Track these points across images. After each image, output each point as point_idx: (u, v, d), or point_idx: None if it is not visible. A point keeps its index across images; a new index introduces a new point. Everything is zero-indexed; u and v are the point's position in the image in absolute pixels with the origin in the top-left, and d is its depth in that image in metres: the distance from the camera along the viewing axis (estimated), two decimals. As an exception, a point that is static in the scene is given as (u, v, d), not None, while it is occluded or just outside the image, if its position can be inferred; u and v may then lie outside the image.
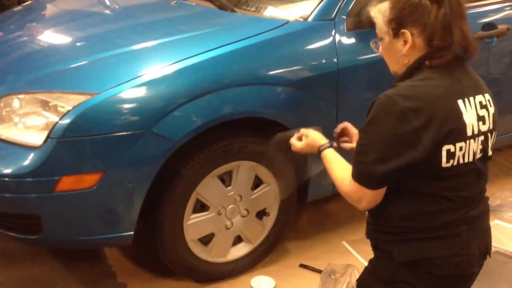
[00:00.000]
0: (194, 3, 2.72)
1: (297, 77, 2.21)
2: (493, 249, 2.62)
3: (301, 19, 2.33)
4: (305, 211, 2.94)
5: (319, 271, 2.48)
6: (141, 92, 1.98)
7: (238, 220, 2.37)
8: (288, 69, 2.21)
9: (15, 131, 2.02)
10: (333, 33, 2.28)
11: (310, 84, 2.24)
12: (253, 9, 2.51)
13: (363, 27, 2.32)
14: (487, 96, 1.53)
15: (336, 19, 2.29)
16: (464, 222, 1.48)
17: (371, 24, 2.36)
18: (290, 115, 2.21)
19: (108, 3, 3.04)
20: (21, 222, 2.08)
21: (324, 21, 2.30)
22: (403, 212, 1.48)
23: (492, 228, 2.82)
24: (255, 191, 2.36)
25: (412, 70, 1.46)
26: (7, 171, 1.94)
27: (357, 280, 1.70)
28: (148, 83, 2.00)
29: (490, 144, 1.52)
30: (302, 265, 2.55)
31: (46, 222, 2.02)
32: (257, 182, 2.38)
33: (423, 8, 1.42)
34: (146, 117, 1.97)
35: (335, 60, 2.25)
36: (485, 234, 1.59)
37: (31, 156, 1.93)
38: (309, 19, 2.31)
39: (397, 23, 1.46)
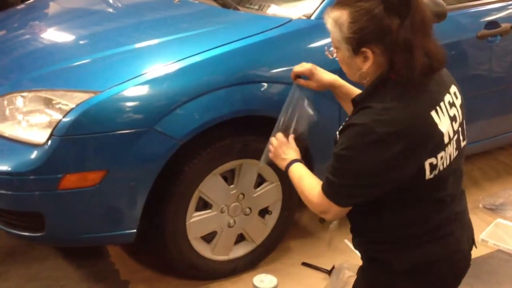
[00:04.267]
0: (197, 1, 2.72)
1: (300, 75, 2.21)
2: (495, 247, 2.65)
3: (304, 17, 2.33)
4: (308, 209, 2.93)
5: (321, 269, 2.48)
6: (144, 90, 1.98)
7: (241, 218, 2.37)
8: (291, 67, 2.20)
9: (19, 129, 2.02)
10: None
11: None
12: (256, 7, 2.51)
13: (366, 26, 2.32)
14: (453, 89, 1.48)
15: (339, 18, 2.29)
16: (454, 220, 1.48)
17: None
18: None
19: (111, 1, 3.04)
20: (24, 219, 2.08)
21: (327, 19, 2.30)
22: (393, 222, 1.46)
23: (495, 226, 2.85)
24: (258, 189, 2.36)
25: (378, 86, 1.39)
26: (11, 168, 1.95)
27: None
28: (151, 81, 2.00)
29: (462, 137, 1.50)
30: (304, 263, 2.55)
31: (49, 220, 2.02)
32: (260, 181, 2.38)
33: (387, 26, 1.32)
34: (149, 115, 1.97)
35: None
36: (469, 227, 1.59)
37: (35, 154, 1.93)
38: (312, 17, 2.31)
39: (357, 41, 1.36)
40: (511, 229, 2.81)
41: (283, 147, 1.74)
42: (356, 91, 1.78)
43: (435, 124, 1.37)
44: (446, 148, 1.40)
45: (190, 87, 2.04)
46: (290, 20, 2.30)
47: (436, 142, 1.37)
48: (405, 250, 1.47)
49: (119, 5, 2.98)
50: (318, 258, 2.55)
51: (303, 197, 1.58)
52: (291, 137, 1.80)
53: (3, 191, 2.00)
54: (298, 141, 1.87)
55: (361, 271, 1.61)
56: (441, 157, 1.39)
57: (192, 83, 2.04)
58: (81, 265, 2.50)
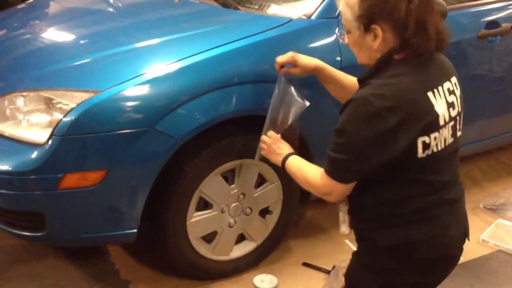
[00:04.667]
0: (197, 1, 2.72)
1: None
2: (496, 248, 2.65)
3: (305, 17, 2.33)
4: (308, 209, 2.94)
5: (322, 270, 2.48)
6: (144, 90, 1.98)
7: (241, 218, 2.37)
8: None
9: (19, 129, 2.02)
10: (336, 31, 2.27)
11: (313, 82, 2.23)
12: (256, 6, 2.51)
13: (367, 25, 2.32)
14: (454, 79, 1.55)
15: (339, 17, 2.28)
16: (441, 205, 1.52)
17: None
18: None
19: (111, 0, 3.04)
20: (25, 219, 2.08)
21: (327, 19, 2.30)
22: (382, 199, 1.51)
23: (496, 227, 2.85)
24: (258, 189, 2.36)
25: (381, 65, 1.47)
26: (11, 168, 1.94)
27: (344, 274, 1.73)
28: (151, 81, 2.00)
29: (459, 126, 1.55)
30: (305, 264, 2.55)
31: (49, 220, 2.02)
32: (260, 180, 2.37)
33: (394, 3, 1.41)
34: (149, 115, 1.97)
35: (338, 58, 2.24)
36: (463, 218, 1.62)
37: (35, 153, 1.93)
38: (313, 17, 2.31)
39: (368, 19, 1.46)
40: (511, 229, 2.81)
41: (278, 143, 1.84)
42: (339, 73, 1.91)
43: (431, 104, 1.44)
44: (441, 130, 1.46)
45: (190, 86, 2.03)
46: (291, 20, 2.30)
47: (430, 121, 1.43)
48: (389, 228, 1.52)
49: (120, 4, 2.98)
50: (319, 259, 2.55)
51: (306, 183, 1.64)
52: (276, 134, 1.89)
53: (3, 191, 2.00)
54: (290, 132, 1.90)
55: (354, 253, 1.66)
56: (435, 138, 1.44)
57: (193, 83, 2.04)
58: (82, 265, 2.50)
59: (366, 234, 1.59)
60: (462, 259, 1.65)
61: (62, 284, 2.38)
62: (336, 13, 2.28)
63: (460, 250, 1.60)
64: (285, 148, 1.81)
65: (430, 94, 1.44)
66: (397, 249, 1.51)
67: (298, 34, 2.26)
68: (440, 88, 1.47)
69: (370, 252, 1.58)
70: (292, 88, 1.98)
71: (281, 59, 1.95)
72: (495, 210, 2.98)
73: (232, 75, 2.10)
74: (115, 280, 2.43)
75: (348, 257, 2.46)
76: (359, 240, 1.64)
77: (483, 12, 2.76)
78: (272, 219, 2.46)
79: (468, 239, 1.64)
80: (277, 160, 1.80)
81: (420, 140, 1.42)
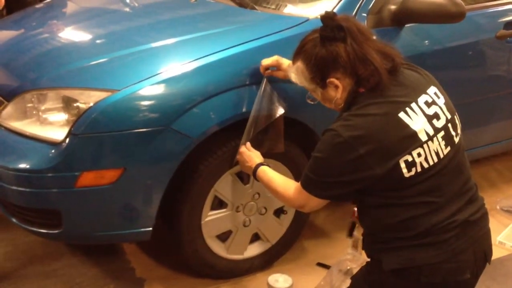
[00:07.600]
0: (213, 1, 2.72)
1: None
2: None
3: (321, 17, 2.32)
4: (322, 209, 2.93)
5: (336, 270, 2.48)
6: (160, 89, 1.99)
7: (256, 218, 2.37)
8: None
9: (37, 127, 2.04)
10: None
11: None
12: (273, 6, 2.51)
13: (384, 25, 2.31)
14: (432, 89, 1.55)
15: (356, 17, 2.28)
16: (452, 228, 1.48)
17: (393, 22, 2.36)
18: (308, 113, 2.20)
19: (128, 0, 3.06)
20: (42, 217, 2.10)
21: (344, 19, 2.29)
22: (384, 222, 1.51)
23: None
24: (273, 189, 2.36)
25: (350, 102, 1.53)
26: (29, 166, 1.96)
27: (351, 277, 1.75)
28: (168, 81, 2.01)
29: (455, 132, 1.54)
30: (319, 264, 2.55)
31: (66, 217, 2.04)
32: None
33: (333, 54, 1.49)
34: (165, 114, 1.97)
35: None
36: (482, 240, 1.57)
37: (52, 151, 1.95)
38: (329, 17, 2.30)
39: (320, 77, 1.54)
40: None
41: (247, 153, 1.98)
42: None
43: (405, 124, 1.45)
44: (426, 145, 1.46)
45: (206, 86, 2.04)
46: (307, 20, 2.29)
47: (408, 140, 1.45)
48: (394, 251, 1.52)
49: (136, 4, 3.00)
50: (333, 259, 2.54)
51: (279, 195, 1.76)
52: (248, 144, 2.02)
53: (21, 188, 2.02)
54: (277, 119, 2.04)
55: (367, 264, 1.67)
56: (419, 154, 1.45)
57: (208, 83, 2.04)
58: (97, 263, 2.52)
59: (373, 254, 1.61)
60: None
61: (78, 282, 2.40)
62: (354, 13, 2.28)
63: (474, 275, 1.55)
64: (253, 159, 1.94)
65: (402, 114, 1.46)
66: (403, 273, 1.50)
67: (315, 34, 2.26)
68: (413, 104, 1.49)
69: (377, 270, 1.58)
70: (273, 92, 2.05)
71: (265, 61, 2.03)
72: (511, 212, 2.96)
73: (247, 75, 2.10)
74: (130, 278, 2.44)
75: (362, 256, 2.47)
76: (369, 257, 1.65)
77: (502, 12, 2.73)
78: (287, 219, 2.46)
79: (489, 263, 1.60)
80: (248, 171, 1.94)
81: (402, 161, 1.44)
